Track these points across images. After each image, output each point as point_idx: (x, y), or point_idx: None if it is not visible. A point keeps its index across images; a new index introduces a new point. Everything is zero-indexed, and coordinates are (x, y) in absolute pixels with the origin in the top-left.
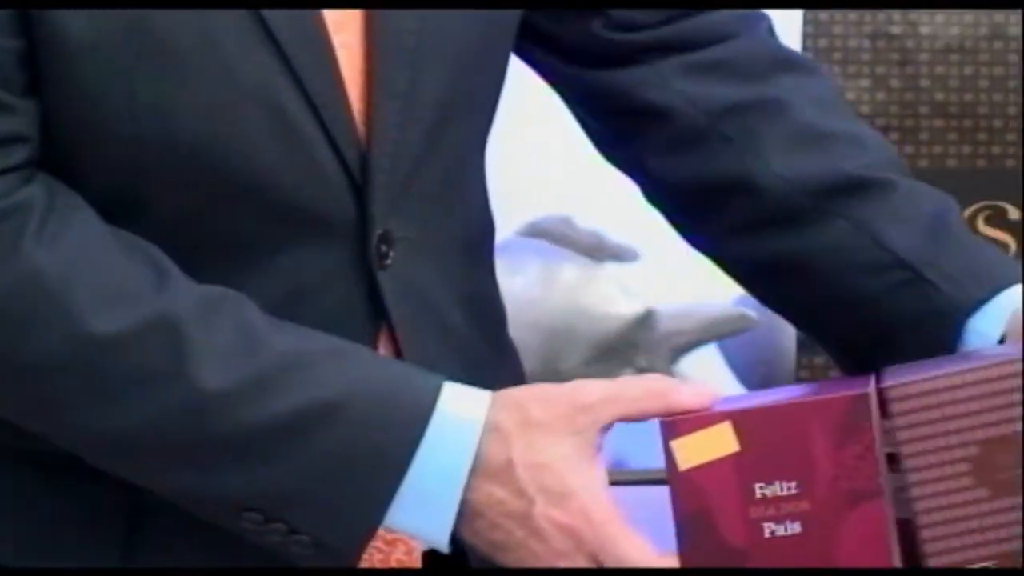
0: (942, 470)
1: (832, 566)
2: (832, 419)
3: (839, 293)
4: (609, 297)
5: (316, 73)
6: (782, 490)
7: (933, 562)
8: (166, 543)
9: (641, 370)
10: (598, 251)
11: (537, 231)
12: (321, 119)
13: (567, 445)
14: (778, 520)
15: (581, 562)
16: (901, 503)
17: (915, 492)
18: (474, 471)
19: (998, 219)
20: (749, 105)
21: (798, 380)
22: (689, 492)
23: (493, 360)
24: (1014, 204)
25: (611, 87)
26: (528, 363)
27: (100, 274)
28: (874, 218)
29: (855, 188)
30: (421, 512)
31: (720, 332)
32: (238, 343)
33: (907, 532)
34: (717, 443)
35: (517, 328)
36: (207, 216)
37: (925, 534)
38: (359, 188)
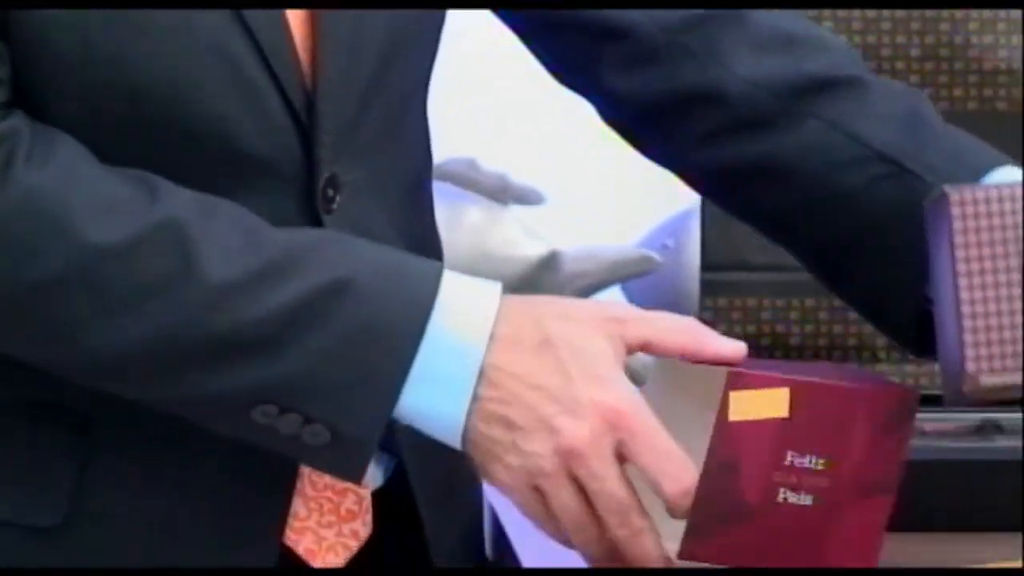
0: (994, 276)
1: (823, 546)
2: (879, 410)
3: (817, 194)
4: (513, 239)
5: (266, 22)
6: (810, 463)
7: (973, 366)
8: (118, 481)
9: None
10: (502, 193)
11: (441, 174)
12: (269, 66)
13: (602, 341)
14: (795, 489)
15: (605, 446)
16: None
17: (964, 295)
18: (497, 337)
19: None
20: (706, 16)
21: (701, 322)
22: (728, 441)
23: None
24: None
25: (565, 12)
26: None
27: (95, 189)
28: (848, 116)
29: (824, 87)
30: (437, 389)
31: (624, 274)
32: (241, 238)
33: None
34: (770, 405)
35: None
36: (160, 163)
37: (968, 337)
38: (306, 133)
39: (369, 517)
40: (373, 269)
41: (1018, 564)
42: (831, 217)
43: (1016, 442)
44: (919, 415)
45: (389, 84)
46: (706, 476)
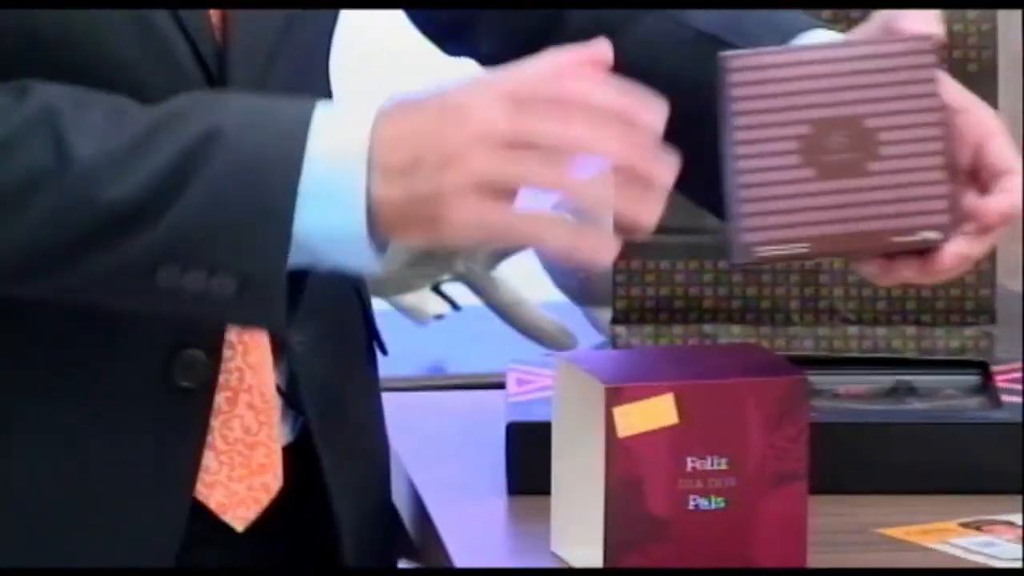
0: (772, 145)
1: (748, 544)
2: (770, 400)
3: (655, 83)
4: None
5: None
6: (713, 465)
7: (748, 237)
8: (16, 436)
9: (459, 274)
10: None
11: None
12: (179, 18)
13: (483, 85)
14: (704, 494)
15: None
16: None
17: (740, 165)
18: (376, 126)
19: None
20: None
21: (615, 284)
22: (623, 459)
23: None
24: None
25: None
26: None
27: None
28: (678, 10)
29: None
30: (329, 197)
31: None
32: (111, 118)
33: None
34: (658, 413)
35: None
36: None
37: (743, 208)
38: (215, 84)
39: (279, 471)
40: (241, 113)
41: (925, 527)
42: (672, 108)
43: (929, 404)
44: (833, 377)
45: (297, 37)
46: (609, 499)
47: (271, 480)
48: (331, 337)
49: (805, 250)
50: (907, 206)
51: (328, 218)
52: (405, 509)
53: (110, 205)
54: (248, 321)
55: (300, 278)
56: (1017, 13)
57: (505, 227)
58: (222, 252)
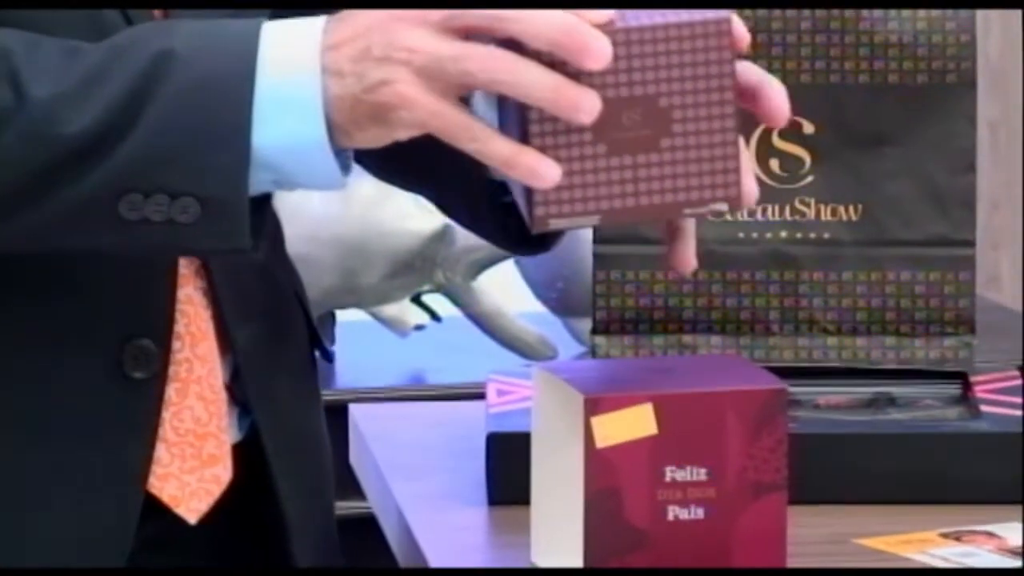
0: (565, 121)
1: (727, 554)
2: (750, 410)
3: None
4: (407, 213)
5: None
6: (692, 475)
7: (541, 210)
8: None
9: (439, 285)
10: None
11: None
12: (128, 16)
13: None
14: (683, 504)
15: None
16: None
17: (535, 143)
18: (328, 33)
19: (793, 133)
20: None
21: (595, 295)
22: (601, 469)
23: (278, 265)
24: (809, 119)
25: None
26: (327, 278)
27: None
28: None
29: None
30: (285, 108)
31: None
32: (64, 57)
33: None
34: (636, 424)
35: (316, 244)
36: None
37: (536, 191)
38: None
39: (229, 463)
40: (191, 35)
41: (905, 537)
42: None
43: (908, 415)
44: (812, 388)
45: None
46: (588, 509)
47: (222, 472)
48: (274, 338)
49: (597, 221)
50: (698, 179)
51: (287, 129)
52: (385, 520)
53: (70, 139)
54: (214, 246)
55: (263, 201)
56: (995, 25)
57: (454, 123)
58: (182, 175)
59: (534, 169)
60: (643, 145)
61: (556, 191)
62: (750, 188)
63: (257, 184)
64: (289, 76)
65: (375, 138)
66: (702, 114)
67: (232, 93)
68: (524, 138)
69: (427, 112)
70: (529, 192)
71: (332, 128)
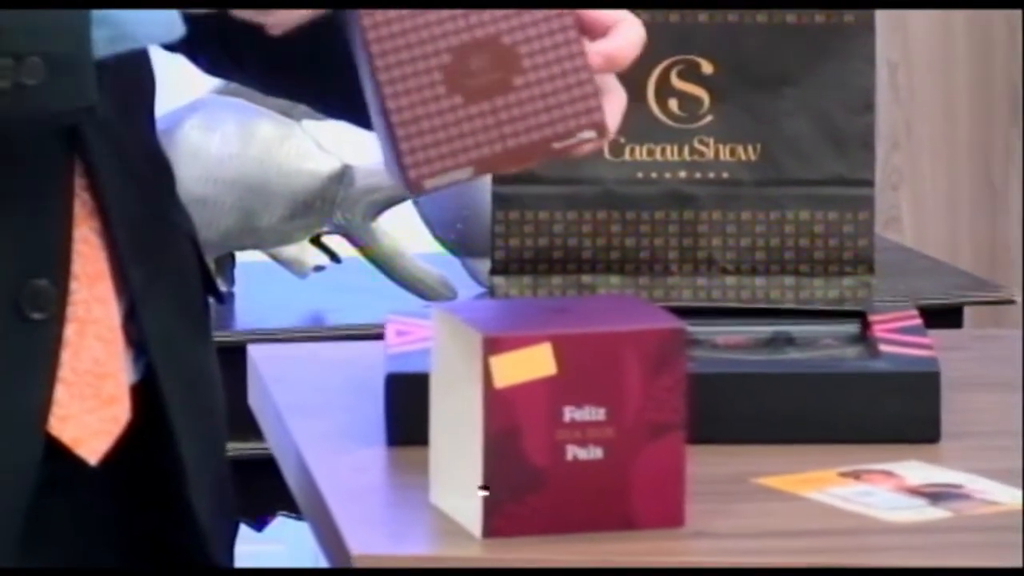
0: (416, 80)
1: (626, 494)
2: (648, 350)
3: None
4: (306, 153)
5: None
6: (590, 415)
7: (413, 173)
8: None
9: (339, 226)
10: (294, 109)
11: (233, 89)
12: None
13: None
14: (582, 444)
15: None
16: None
17: (390, 105)
18: None
19: (692, 73)
20: None
21: (493, 235)
22: (500, 409)
23: (171, 208)
24: (708, 59)
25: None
26: (226, 219)
27: None
28: None
29: None
30: None
31: None
32: None
33: None
34: (535, 364)
35: (215, 185)
36: None
37: (403, 146)
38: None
39: (127, 403)
40: None
41: (804, 476)
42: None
43: (807, 354)
44: (711, 327)
45: None
46: (488, 449)
47: (120, 412)
48: (168, 279)
49: (471, 173)
50: (560, 111)
51: None
52: (284, 461)
53: None
54: (62, 106)
55: (106, 62)
56: None
57: None
58: (26, 36)
59: None
60: (498, 88)
61: (424, 150)
62: (615, 111)
63: (102, 40)
64: None
65: None
66: (547, 44)
67: None
68: (381, 102)
69: None
70: (399, 157)
71: None
